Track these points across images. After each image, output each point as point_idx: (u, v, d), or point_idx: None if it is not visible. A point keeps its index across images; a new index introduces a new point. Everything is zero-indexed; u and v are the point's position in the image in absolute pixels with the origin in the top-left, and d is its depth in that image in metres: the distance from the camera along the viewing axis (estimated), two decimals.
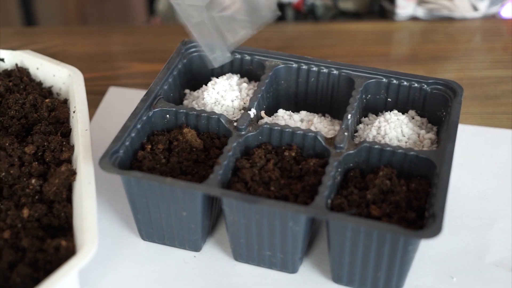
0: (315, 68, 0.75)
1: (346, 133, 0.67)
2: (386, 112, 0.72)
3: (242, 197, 0.60)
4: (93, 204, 0.62)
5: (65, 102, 0.76)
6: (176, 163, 0.67)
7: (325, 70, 0.75)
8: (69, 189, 0.67)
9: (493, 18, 1.01)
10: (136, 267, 0.68)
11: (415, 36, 0.98)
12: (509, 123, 0.83)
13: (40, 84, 0.79)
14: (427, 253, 0.68)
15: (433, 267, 0.68)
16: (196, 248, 0.68)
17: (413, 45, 0.96)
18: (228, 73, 0.77)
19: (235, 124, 0.69)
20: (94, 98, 0.87)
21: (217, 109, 0.72)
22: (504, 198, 0.74)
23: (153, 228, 0.67)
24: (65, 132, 0.72)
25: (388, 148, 0.66)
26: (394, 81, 0.73)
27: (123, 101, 0.87)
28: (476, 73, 0.91)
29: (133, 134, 0.67)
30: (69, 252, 0.61)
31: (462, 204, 0.74)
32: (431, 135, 0.70)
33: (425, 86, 0.73)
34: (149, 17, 1.44)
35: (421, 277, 0.67)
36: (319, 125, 0.72)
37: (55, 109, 0.74)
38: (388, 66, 0.91)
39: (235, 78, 0.76)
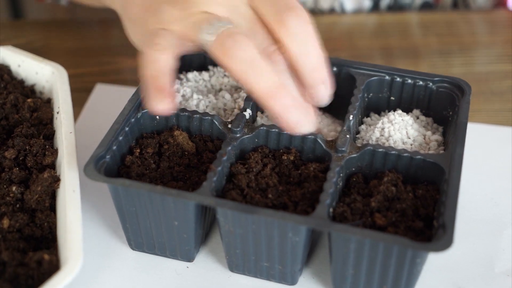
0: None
1: (348, 136, 0.63)
2: (390, 112, 0.68)
3: (238, 207, 0.56)
4: (78, 215, 0.58)
5: (48, 102, 0.72)
6: (166, 168, 0.63)
7: None
8: (52, 196, 0.63)
9: (497, 10, 0.97)
10: (124, 279, 0.63)
11: (416, 29, 0.93)
12: None
13: (22, 82, 0.74)
14: (433, 261, 0.64)
15: (439, 277, 0.64)
16: (189, 258, 0.64)
17: (414, 38, 0.92)
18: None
19: (229, 126, 0.65)
20: (80, 95, 0.82)
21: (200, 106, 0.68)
22: None
23: (142, 237, 0.63)
24: (48, 134, 0.68)
25: (393, 152, 0.62)
26: (398, 79, 0.69)
27: (111, 99, 0.82)
28: (481, 68, 0.87)
29: (120, 138, 0.63)
30: (52, 266, 0.57)
31: (468, 208, 0.70)
32: (437, 136, 0.66)
33: (431, 84, 0.69)
34: None
35: (427, 287, 0.63)
36: (319, 125, 0.68)
37: (37, 110, 0.70)
38: (389, 61, 0.87)
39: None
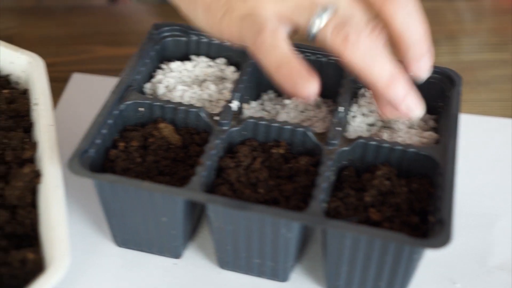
0: (300, 55, 0.69)
1: (339, 128, 0.61)
2: None
3: (230, 203, 0.54)
4: (63, 212, 0.56)
5: (24, 93, 0.69)
6: (152, 162, 0.61)
7: (311, 57, 0.69)
8: (33, 192, 0.60)
9: None
10: (110, 276, 0.61)
11: None
12: (502, 111, 0.78)
13: None
14: (426, 256, 0.63)
15: (433, 272, 0.63)
16: (177, 254, 0.62)
17: None
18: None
19: (216, 118, 0.62)
20: (56, 86, 0.79)
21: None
22: (505, 193, 0.69)
23: (128, 234, 0.61)
24: (26, 127, 0.65)
25: (386, 145, 0.60)
26: None
27: (88, 89, 0.80)
28: (464, 57, 0.86)
29: (104, 131, 0.60)
30: (37, 266, 0.54)
31: (459, 201, 0.68)
32: (430, 132, 0.65)
33: None
34: None
35: (421, 283, 0.61)
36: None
37: (14, 101, 0.67)
38: None
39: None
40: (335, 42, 0.53)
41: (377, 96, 0.60)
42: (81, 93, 0.79)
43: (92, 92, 0.79)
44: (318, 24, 0.54)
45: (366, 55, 0.53)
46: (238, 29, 0.56)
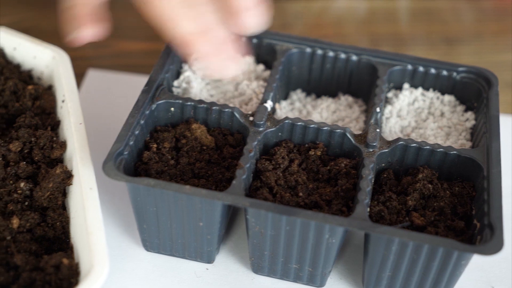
0: (331, 53, 0.67)
1: (378, 130, 0.60)
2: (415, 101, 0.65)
3: (276, 209, 0.52)
4: (99, 215, 0.54)
5: (49, 89, 0.67)
6: (186, 164, 0.59)
7: (343, 56, 0.67)
8: (63, 194, 0.58)
9: None
10: (140, 282, 0.59)
11: (421, 15, 0.90)
12: None
13: (18, 67, 0.69)
14: None
15: (471, 276, 0.61)
16: (209, 259, 0.60)
17: (420, 25, 0.89)
18: None
19: (251, 118, 0.61)
20: None
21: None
22: None
23: (161, 238, 0.59)
24: (53, 125, 0.63)
25: (426, 147, 0.59)
26: (421, 69, 0.66)
27: (105, 87, 0.77)
28: (491, 57, 0.84)
29: (136, 132, 0.58)
30: (72, 271, 0.52)
31: None
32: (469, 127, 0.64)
33: (455, 74, 0.66)
34: None
35: (459, 287, 0.60)
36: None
37: (39, 98, 0.65)
38: (398, 49, 0.84)
39: None
40: None
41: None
42: (97, 90, 0.76)
43: (109, 89, 0.76)
44: None
45: (162, 13, 0.53)
46: None
